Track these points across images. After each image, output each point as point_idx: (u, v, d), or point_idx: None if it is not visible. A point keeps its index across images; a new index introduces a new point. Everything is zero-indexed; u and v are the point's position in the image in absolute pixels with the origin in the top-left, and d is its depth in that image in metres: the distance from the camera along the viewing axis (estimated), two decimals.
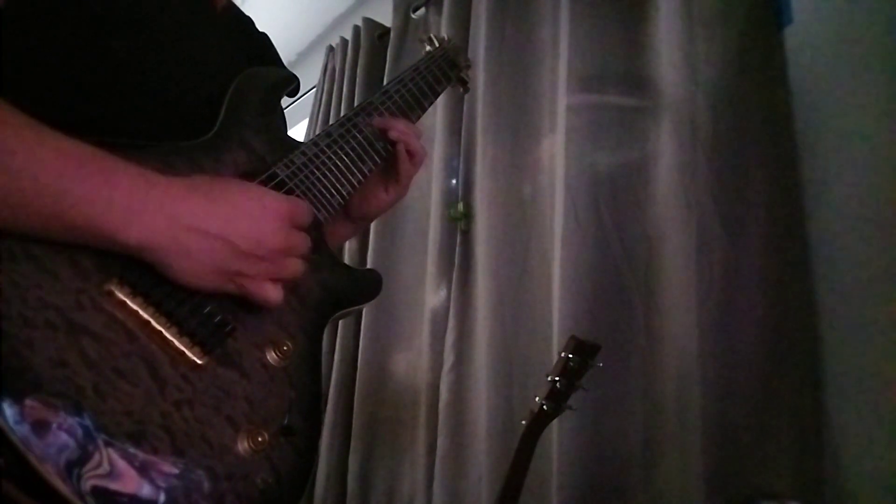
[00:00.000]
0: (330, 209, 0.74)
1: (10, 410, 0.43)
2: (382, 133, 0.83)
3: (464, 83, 1.05)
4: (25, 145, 0.48)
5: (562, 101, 1.50)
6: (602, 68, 1.49)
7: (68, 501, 0.44)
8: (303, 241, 0.63)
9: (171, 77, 0.69)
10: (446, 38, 1.03)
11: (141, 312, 0.53)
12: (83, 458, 0.46)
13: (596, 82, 1.49)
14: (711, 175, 1.25)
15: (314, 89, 2.69)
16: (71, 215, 0.49)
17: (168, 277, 0.54)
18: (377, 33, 2.40)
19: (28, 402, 0.44)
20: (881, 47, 1.16)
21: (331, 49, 2.65)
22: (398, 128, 0.84)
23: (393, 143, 0.84)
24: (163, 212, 0.53)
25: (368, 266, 2.02)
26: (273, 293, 0.60)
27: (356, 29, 2.47)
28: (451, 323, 1.68)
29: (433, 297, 1.78)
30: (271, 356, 0.62)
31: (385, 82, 1.75)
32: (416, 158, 0.87)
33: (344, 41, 2.55)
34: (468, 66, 1.04)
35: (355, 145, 0.79)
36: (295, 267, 0.62)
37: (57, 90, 0.59)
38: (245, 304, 0.60)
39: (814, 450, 1.07)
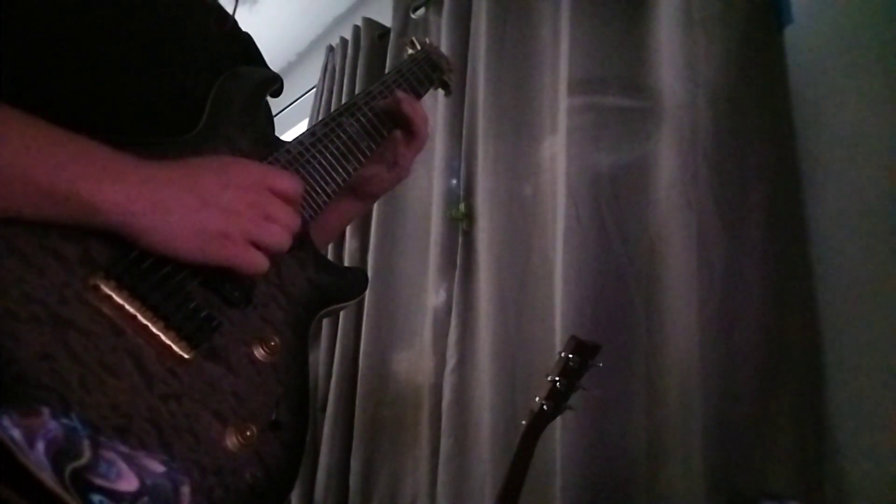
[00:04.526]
0: (315, 207, 0.74)
1: None
2: (395, 103, 0.85)
3: (445, 86, 1.06)
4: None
5: (563, 102, 1.50)
6: (603, 68, 1.49)
7: (54, 495, 0.44)
8: (285, 210, 0.62)
9: (155, 75, 0.69)
10: (428, 41, 1.04)
11: (127, 306, 0.53)
12: (69, 451, 0.45)
13: (596, 83, 1.49)
14: (712, 175, 1.26)
15: (314, 89, 2.69)
16: (49, 178, 0.49)
17: (150, 247, 0.54)
18: (377, 33, 2.40)
19: (13, 394, 0.44)
20: (881, 47, 1.16)
21: (331, 49, 2.65)
22: (413, 105, 0.86)
23: (401, 119, 0.86)
24: (138, 176, 0.54)
25: (370, 266, 2.03)
26: (258, 258, 0.59)
27: (356, 29, 2.47)
28: (454, 323, 1.69)
29: (435, 297, 1.79)
30: (258, 351, 0.61)
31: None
32: (416, 141, 0.88)
33: (344, 41, 2.56)
34: (451, 70, 1.05)
35: (339, 144, 0.80)
36: (278, 234, 0.61)
37: (39, 90, 0.59)
38: (232, 301, 0.60)
39: (814, 450, 1.08)
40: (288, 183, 0.63)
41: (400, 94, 0.86)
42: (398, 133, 0.88)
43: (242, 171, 0.61)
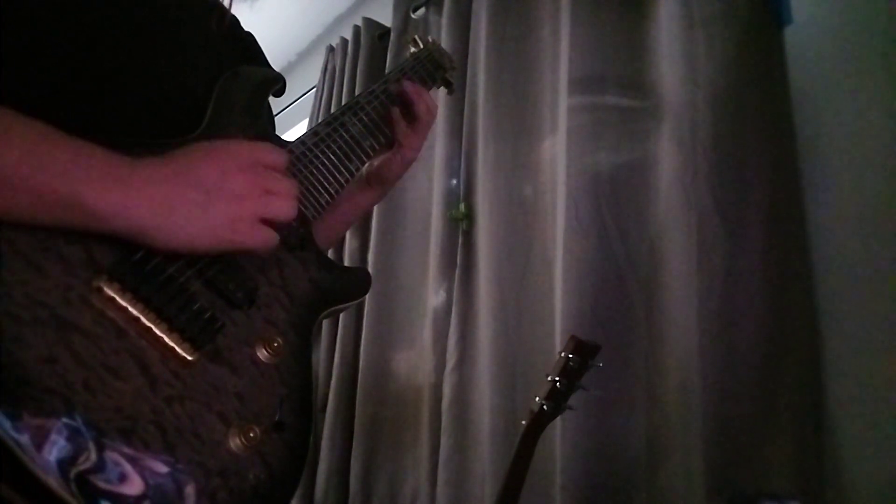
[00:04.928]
0: (318, 206, 0.75)
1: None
2: (398, 89, 0.87)
3: (448, 84, 1.06)
4: None
5: (562, 102, 1.50)
6: (603, 68, 1.49)
7: (59, 498, 0.44)
8: (280, 180, 0.62)
9: (156, 76, 0.69)
10: (430, 39, 1.04)
11: (130, 309, 0.53)
12: (74, 454, 0.45)
13: (596, 82, 1.49)
14: (712, 175, 1.26)
15: (314, 89, 2.69)
16: (51, 185, 0.49)
17: (161, 245, 0.54)
18: (377, 33, 2.40)
19: (17, 397, 0.44)
20: (881, 47, 1.16)
21: (331, 49, 2.65)
22: (418, 91, 0.88)
23: (403, 104, 0.88)
24: (140, 177, 0.53)
25: (370, 266, 2.02)
26: (268, 235, 0.60)
27: (356, 29, 2.47)
28: (454, 323, 1.69)
29: (435, 297, 1.78)
30: (262, 353, 0.61)
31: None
32: (419, 124, 0.89)
33: (344, 41, 2.55)
34: (453, 68, 1.05)
35: (342, 144, 0.80)
36: (282, 205, 0.61)
37: (40, 91, 0.59)
38: (235, 302, 0.60)
39: (814, 450, 1.08)
40: (274, 155, 0.64)
41: (405, 82, 0.89)
42: (402, 120, 0.88)
43: (235, 152, 0.61)
